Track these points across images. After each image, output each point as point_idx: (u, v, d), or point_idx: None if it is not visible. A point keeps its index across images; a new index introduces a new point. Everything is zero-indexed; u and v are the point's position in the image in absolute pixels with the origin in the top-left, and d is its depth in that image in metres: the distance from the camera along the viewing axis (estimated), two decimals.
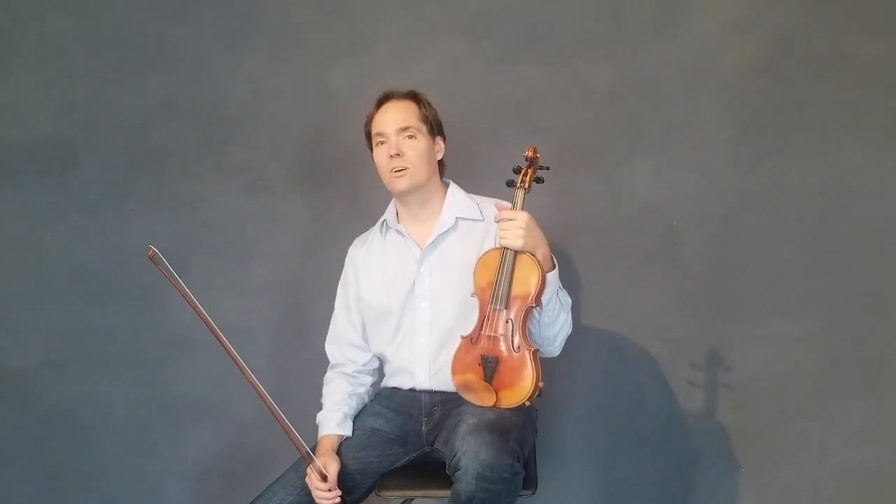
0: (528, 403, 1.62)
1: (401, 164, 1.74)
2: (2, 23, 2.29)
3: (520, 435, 1.59)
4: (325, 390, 1.86)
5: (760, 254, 2.18)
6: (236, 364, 1.61)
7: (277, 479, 1.69)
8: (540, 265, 1.59)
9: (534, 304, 1.61)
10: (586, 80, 2.22)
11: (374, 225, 1.92)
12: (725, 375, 2.21)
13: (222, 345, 1.61)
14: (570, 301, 1.73)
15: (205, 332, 2.26)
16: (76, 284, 2.30)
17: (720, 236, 2.20)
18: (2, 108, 2.29)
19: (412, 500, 1.77)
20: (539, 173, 1.65)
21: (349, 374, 1.86)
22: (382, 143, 1.77)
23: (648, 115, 2.21)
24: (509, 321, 1.61)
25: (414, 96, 1.81)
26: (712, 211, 2.19)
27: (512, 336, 1.61)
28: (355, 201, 2.25)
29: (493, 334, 1.62)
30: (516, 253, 1.59)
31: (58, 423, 2.32)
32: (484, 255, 1.66)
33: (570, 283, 2.16)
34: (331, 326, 1.92)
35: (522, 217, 1.58)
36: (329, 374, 1.89)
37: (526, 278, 1.60)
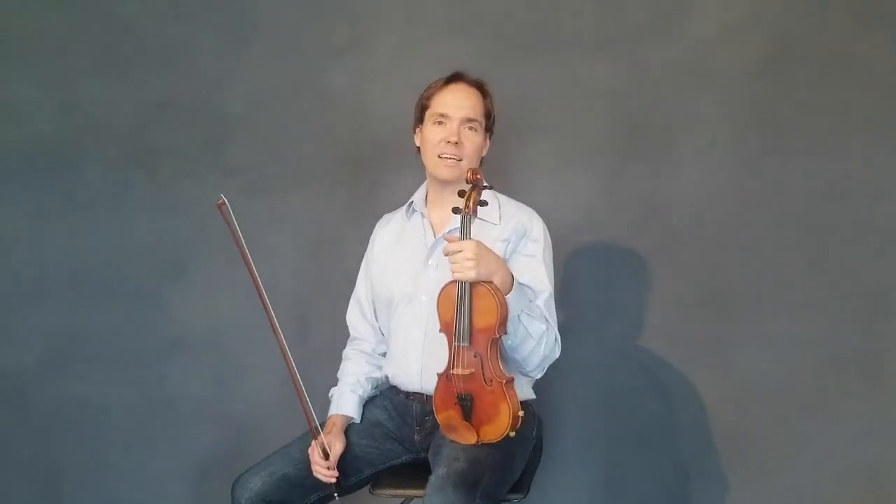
0: (513, 434, 1.56)
1: (456, 154, 1.70)
2: (2, 23, 2.29)
3: (494, 479, 1.56)
4: (345, 366, 1.85)
5: (760, 254, 2.18)
6: (273, 329, 1.64)
7: (279, 450, 1.70)
8: (497, 292, 1.51)
9: (500, 335, 1.54)
10: (586, 80, 2.22)
11: (380, 219, 1.92)
12: (725, 375, 2.20)
13: (265, 308, 1.62)
14: (543, 328, 1.61)
15: (205, 333, 2.29)
16: (76, 284, 2.30)
17: (720, 236, 2.20)
18: (2, 108, 2.29)
19: (410, 499, 1.76)
20: (483, 195, 1.55)
21: (368, 354, 1.85)
22: (442, 123, 1.72)
23: (648, 115, 2.20)
24: (477, 355, 1.54)
25: (482, 87, 1.77)
26: (712, 211, 2.19)
27: (482, 370, 1.54)
28: (355, 201, 2.25)
29: (462, 372, 1.54)
30: (471, 284, 1.51)
31: (58, 423, 2.32)
32: (443, 289, 1.58)
33: (570, 283, 2.17)
34: (352, 299, 1.91)
35: (469, 247, 1.49)
36: (348, 350, 1.88)
37: (485, 309, 1.51)
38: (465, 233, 1.52)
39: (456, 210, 1.55)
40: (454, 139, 1.69)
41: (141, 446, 2.33)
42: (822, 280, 2.16)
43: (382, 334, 1.86)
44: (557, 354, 1.67)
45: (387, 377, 1.83)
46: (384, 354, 1.86)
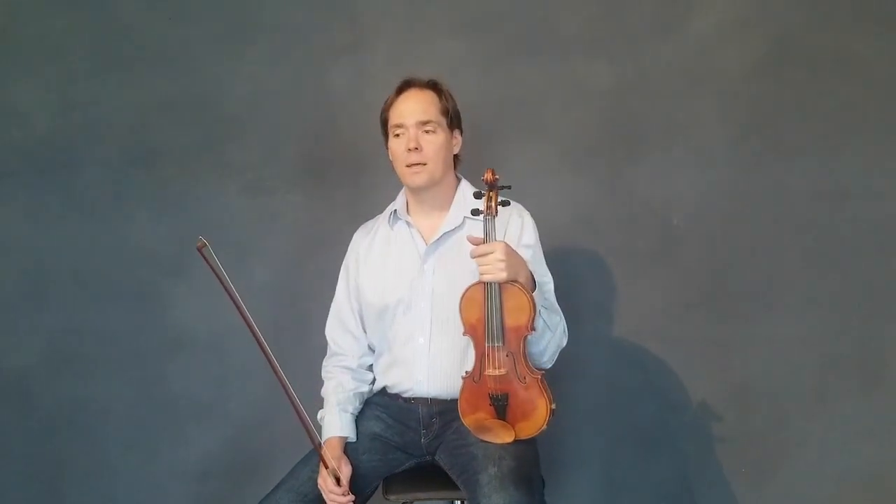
0: (545, 428, 1.59)
1: (418, 160, 1.70)
2: (2, 23, 2.29)
3: (538, 474, 1.59)
4: (329, 385, 1.80)
5: (760, 254, 2.18)
6: (269, 362, 1.58)
7: (286, 478, 1.67)
8: (526, 290, 1.53)
9: (530, 332, 1.56)
10: (586, 80, 2.22)
11: (359, 228, 1.90)
12: (725, 375, 2.21)
13: (258, 342, 1.58)
14: (558, 319, 1.67)
15: (205, 333, 2.29)
16: (76, 284, 2.30)
17: (720, 236, 2.20)
18: (2, 108, 2.29)
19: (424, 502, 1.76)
20: (503, 195, 1.55)
21: (352, 369, 1.81)
22: (400, 133, 1.73)
23: (648, 115, 2.20)
24: (510, 354, 1.56)
25: (435, 86, 1.76)
26: (712, 211, 2.19)
27: (516, 368, 1.57)
28: (355, 201, 2.25)
29: (496, 373, 1.56)
30: (500, 285, 1.52)
31: (58, 423, 2.32)
32: (466, 291, 1.58)
33: (570, 283, 2.17)
34: (332, 312, 1.87)
35: (500, 248, 1.50)
36: (330, 367, 1.84)
37: (517, 308, 1.53)
38: (489, 234, 1.53)
39: (475, 212, 1.57)
40: (413, 145, 1.69)
41: (141, 446, 2.33)
42: (822, 280, 2.16)
43: (370, 347, 1.84)
44: (566, 342, 1.72)
45: (384, 387, 1.81)
46: (370, 367, 1.85)
